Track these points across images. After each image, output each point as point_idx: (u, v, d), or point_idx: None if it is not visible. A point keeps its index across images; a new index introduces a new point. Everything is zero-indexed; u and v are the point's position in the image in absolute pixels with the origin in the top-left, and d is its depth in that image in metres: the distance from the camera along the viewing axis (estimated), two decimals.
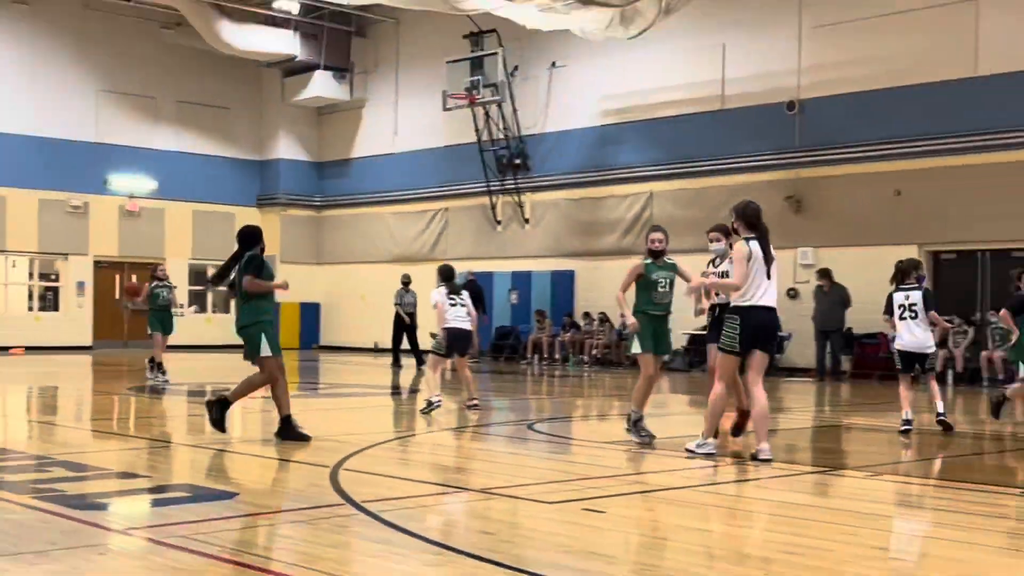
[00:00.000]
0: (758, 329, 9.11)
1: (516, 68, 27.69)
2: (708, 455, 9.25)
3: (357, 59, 32.11)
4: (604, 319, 25.33)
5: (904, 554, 5.80)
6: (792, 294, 22.77)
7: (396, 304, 23.75)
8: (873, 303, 21.47)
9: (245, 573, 5.15)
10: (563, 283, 27.04)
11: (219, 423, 10.19)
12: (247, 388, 10.33)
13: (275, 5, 29.15)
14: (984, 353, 19.57)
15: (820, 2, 22.61)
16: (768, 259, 9.06)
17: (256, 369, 10.17)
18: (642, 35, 23.16)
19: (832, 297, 21.19)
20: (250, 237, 10.41)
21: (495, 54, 26.93)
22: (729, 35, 24.05)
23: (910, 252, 21.28)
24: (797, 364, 22.58)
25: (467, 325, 13.58)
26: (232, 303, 11.28)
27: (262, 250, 10.42)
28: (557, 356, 25.86)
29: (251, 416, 12.62)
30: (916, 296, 11.74)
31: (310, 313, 33.09)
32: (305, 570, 5.18)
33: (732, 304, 9.25)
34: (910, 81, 21.29)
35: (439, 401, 13.22)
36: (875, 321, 21.51)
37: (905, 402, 11.63)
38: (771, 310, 9.17)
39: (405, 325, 23.64)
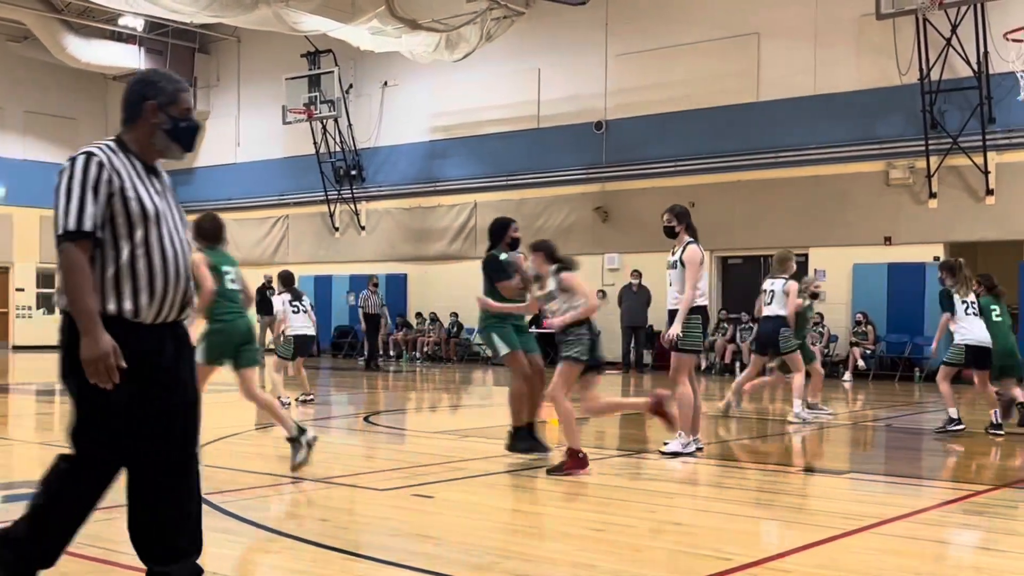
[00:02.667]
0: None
1: (351, 86, 27.48)
2: (690, 454, 8.78)
3: (200, 74, 31.25)
4: (435, 318, 25.38)
5: (698, 528, 6.01)
6: (601, 295, 23.25)
7: (360, 307, 22.77)
8: None
9: (92, 566, 4.97)
10: (397, 285, 26.95)
11: (537, 445, 8.66)
12: (517, 402, 8.65)
13: (121, 21, 28.09)
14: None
15: (623, 32, 23.18)
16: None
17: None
18: (466, 58, 23.34)
19: (640, 296, 21.74)
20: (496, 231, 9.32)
21: (331, 72, 26.74)
22: (544, 60, 24.40)
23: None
24: (605, 359, 23.02)
25: (311, 330, 13.36)
26: None
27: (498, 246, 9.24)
28: (392, 353, 25.75)
29: None
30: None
31: None
32: None
33: (696, 304, 8.87)
34: (702, 105, 22.04)
35: (288, 401, 12.98)
36: None
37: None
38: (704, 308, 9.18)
39: (372, 327, 22.62)
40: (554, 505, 6.80)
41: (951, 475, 8.65)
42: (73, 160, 3.76)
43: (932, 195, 19.47)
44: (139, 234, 3.78)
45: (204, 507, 6.31)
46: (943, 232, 19.13)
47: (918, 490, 7.75)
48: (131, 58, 29.50)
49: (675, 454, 8.76)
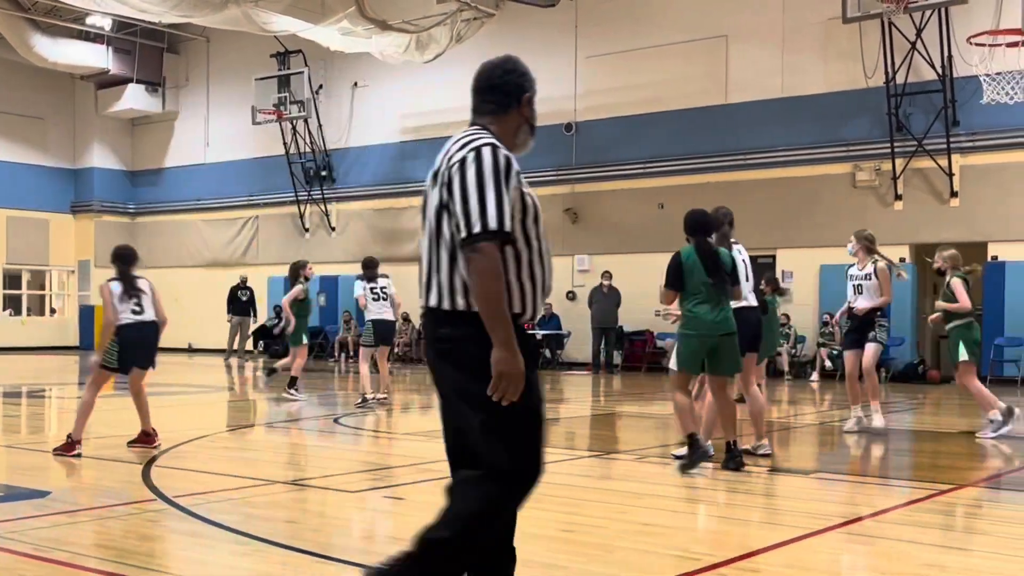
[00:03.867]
0: (752, 329, 8.62)
1: (321, 87, 27.38)
2: (766, 455, 8.55)
3: (169, 74, 31.04)
4: (406, 319, 25.29)
5: (667, 529, 6.03)
6: (571, 296, 23.33)
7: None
8: (641, 304, 22.31)
9: (56, 570, 4.91)
10: None
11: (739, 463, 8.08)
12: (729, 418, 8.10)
13: (88, 21, 27.83)
14: None
15: (592, 34, 23.24)
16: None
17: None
18: (437, 59, 23.30)
19: (611, 298, 21.79)
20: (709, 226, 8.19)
21: (301, 73, 26.67)
22: None
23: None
24: (576, 359, 23.13)
25: (390, 315, 13.33)
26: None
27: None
28: None
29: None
30: None
31: None
32: (116, 564, 4.98)
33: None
34: (671, 107, 22.14)
35: (372, 399, 13.08)
36: (643, 320, 22.32)
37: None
38: (755, 309, 8.82)
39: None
40: (525, 506, 6.79)
41: (916, 475, 8.73)
42: (478, 151, 3.38)
43: (898, 197, 19.65)
44: (534, 233, 3.48)
45: (172, 510, 6.29)
46: (909, 234, 19.31)
47: (884, 489, 7.81)
48: (99, 58, 29.27)
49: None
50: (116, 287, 8.88)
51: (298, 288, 14.47)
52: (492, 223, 3.26)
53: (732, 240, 8.67)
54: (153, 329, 9.02)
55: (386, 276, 13.66)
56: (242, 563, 5.20)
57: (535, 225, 3.45)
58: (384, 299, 13.37)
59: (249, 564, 5.17)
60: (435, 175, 3.47)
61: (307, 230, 28.24)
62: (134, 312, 8.87)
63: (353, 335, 25.91)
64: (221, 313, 26.27)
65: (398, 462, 8.84)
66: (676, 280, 7.88)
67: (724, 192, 21.36)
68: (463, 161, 3.36)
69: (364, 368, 13.42)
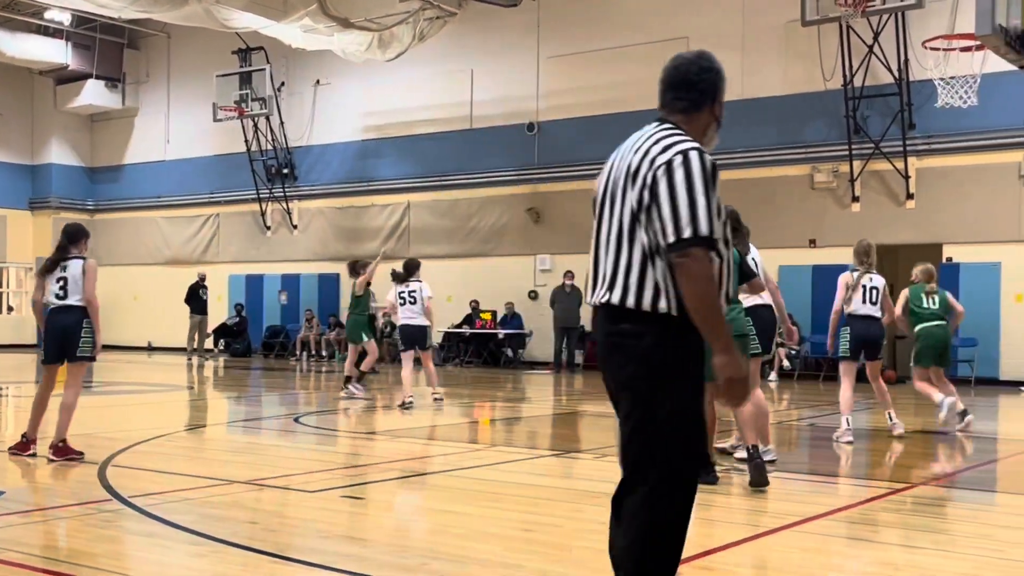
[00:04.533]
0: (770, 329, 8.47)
1: (283, 84, 27.20)
2: (770, 462, 8.09)
3: (129, 69, 30.69)
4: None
5: None
6: (533, 295, 23.37)
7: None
8: None
9: (9, 571, 4.84)
10: (329, 285, 26.74)
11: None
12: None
13: (47, 15, 27.46)
14: None
15: (555, 35, 23.27)
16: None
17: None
18: (399, 58, 23.22)
19: (573, 297, 21.82)
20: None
21: (263, 70, 26.47)
22: (477, 61, 24.40)
23: None
24: (537, 358, 23.17)
25: (415, 320, 13.31)
26: None
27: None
28: (324, 353, 25.56)
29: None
30: None
31: None
32: (70, 566, 4.91)
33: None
34: (632, 108, 22.12)
35: (411, 402, 13.08)
36: None
37: None
38: (770, 307, 8.61)
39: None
40: (483, 505, 6.79)
41: (872, 473, 8.82)
42: (686, 155, 3.29)
43: (855, 199, 19.85)
44: (725, 240, 3.41)
45: (128, 510, 6.22)
46: (866, 235, 19.20)
47: (840, 488, 7.89)
48: (58, 53, 28.89)
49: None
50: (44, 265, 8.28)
51: (362, 279, 14.67)
52: (703, 228, 3.22)
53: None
54: (73, 315, 8.14)
55: (419, 280, 13.65)
56: (199, 564, 5.16)
57: (724, 228, 3.38)
58: (413, 303, 13.36)
59: (206, 565, 5.13)
60: (632, 174, 3.38)
61: (269, 228, 28.06)
62: (57, 296, 8.18)
63: (315, 333, 25.80)
64: (181, 311, 26.04)
65: (357, 461, 8.81)
66: None
67: None
68: (670, 164, 3.30)
69: (405, 372, 13.47)
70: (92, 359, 8.36)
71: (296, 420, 12.18)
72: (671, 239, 3.23)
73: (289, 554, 5.27)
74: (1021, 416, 13.99)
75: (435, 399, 13.69)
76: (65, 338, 8.16)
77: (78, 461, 8.12)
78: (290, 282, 27.34)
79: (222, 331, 27.50)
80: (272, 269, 27.59)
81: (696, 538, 5.81)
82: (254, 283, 27.87)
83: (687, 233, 3.21)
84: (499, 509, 6.68)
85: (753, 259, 8.46)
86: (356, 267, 15.11)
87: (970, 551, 5.60)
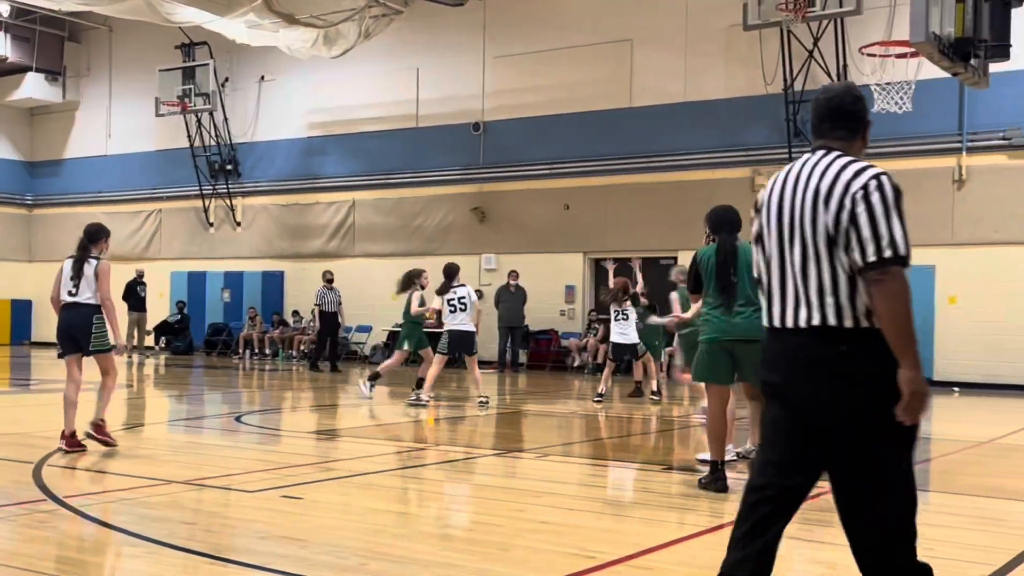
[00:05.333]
0: None
1: (227, 79, 26.92)
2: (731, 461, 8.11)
3: (70, 63, 30.16)
4: (315, 316, 25.01)
5: (565, 527, 6.06)
6: (478, 295, 23.30)
7: (316, 304, 21.08)
8: (546, 303, 22.43)
9: None
10: (273, 283, 26.51)
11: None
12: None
13: None
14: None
15: (501, 35, 23.28)
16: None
17: None
18: (345, 55, 23.07)
19: (518, 297, 21.84)
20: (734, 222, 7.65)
21: (206, 65, 26.14)
22: (423, 60, 24.33)
23: (577, 259, 22.36)
24: (481, 357, 23.05)
25: (457, 326, 13.29)
26: None
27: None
28: (267, 351, 25.33)
29: None
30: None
31: (21, 310, 30.74)
32: (3, 568, 4.81)
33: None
34: (577, 109, 22.30)
35: (427, 400, 13.21)
36: (548, 319, 22.46)
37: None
38: None
39: (328, 326, 20.91)
40: (424, 505, 6.78)
41: None
42: (879, 180, 3.45)
43: None
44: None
45: (63, 511, 6.11)
46: None
47: None
48: None
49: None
50: (66, 264, 8.83)
51: (418, 294, 14.27)
52: (901, 248, 3.39)
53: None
54: (81, 312, 8.65)
55: (464, 285, 13.64)
56: (134, 565, 5.09)
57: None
58: (463, 309, 13.34)
59: (141, 566, 5.06)
60: (824, 198, 3.51)
61: (211, 225, 27.74)
62: (69, 293, 8.67)
63: (258, 331, 25.55)
64: (120, 308, 25.61)
65: (298, 461, 8.73)
66: (695, 281, 7.55)
67: (628, 194, 21.65)
68: (866, 188, 3.45)
69: (434, 370, 13.55)
70: (110, 349, 8.80)
71: (237, 419, 12.06)
72: (871, 259, 3.40)
73: (226, 555, 5.22)
74: (954, 417, 14.26)
75: (480, 402, 13.62)
76: (78, 333, 8.61)
77: (110, 446, 8.75)
78: (233, 279, 27.04)
79: (164, 328, 27.13)
80: (215, 266, 27.28)
81: (633, 537, 5.86)
82: (196, 280, 27.52)
83: (887, 253, 3.38)
84: (439, 508, 6.67)
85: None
86: (412, 277, 14.76)
87: None
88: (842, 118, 3.70)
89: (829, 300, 3.49)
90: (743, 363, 7.30)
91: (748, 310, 7.28)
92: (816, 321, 3.49)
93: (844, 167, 3.53)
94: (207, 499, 6.85)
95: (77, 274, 8.70)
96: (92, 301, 8.65)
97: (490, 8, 23.30)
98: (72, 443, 8.62)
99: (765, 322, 3.70)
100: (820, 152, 3.64)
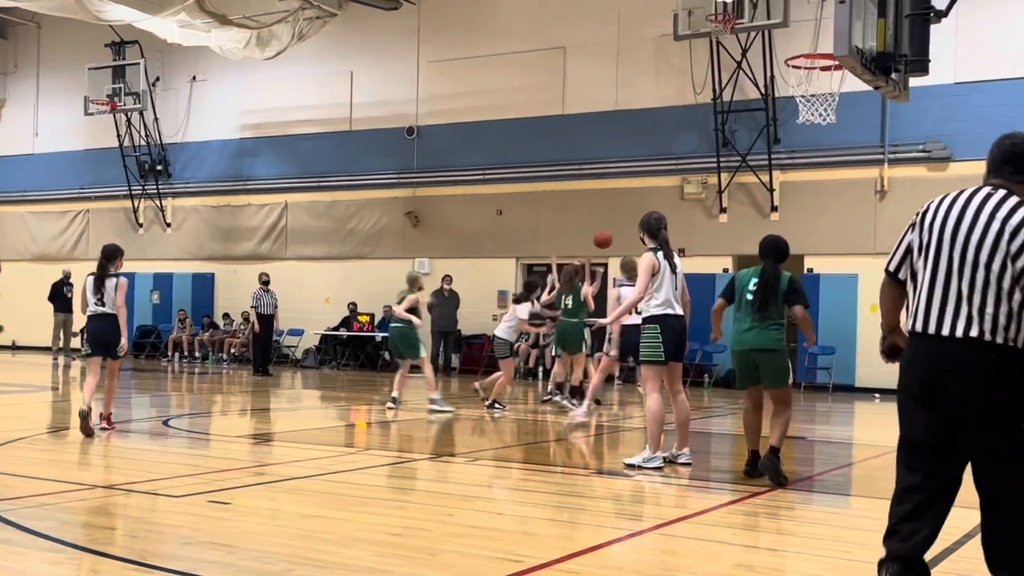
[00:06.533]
0: (677, 337, 8.52)
1: (158, 79, 26.51)
2: (656, 469, 8.35)
3: None
4: (246, 319, 24.71)
5: (493, 531, 6.06)
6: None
7: (253, 307, 20.17)
8: (480, 308, 22.42)
9: None
10: (203, 285, 26.13)
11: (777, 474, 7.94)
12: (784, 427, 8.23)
13: None
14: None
15: (435, 40, 23.25)
16: (673, 268, 8.57)
17: None
18: (278, 57, 22.84)
19: (451, 301, 21.79)
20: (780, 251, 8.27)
21: (137, 64, 25.72)
22: (357, 63, 24.21)
23: (509, 265, 22.39)
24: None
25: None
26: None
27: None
28: (197, 354, 24.95)
29: None
30: None
31: None
32: None
33: (649, 314, 8.46)
34: (510, 115, 22.36)
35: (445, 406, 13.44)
36: (481, 323, 22.45)
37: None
38: (681, 318, 8.60)
39: (265, 329, 20.12)
40: (354, 510, 6.72)
41: (733, 477, 9.03)
42: None
43: (723, 210, 20.37)
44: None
45: None
46: (733, 245, 20.02)
47: (702, 492, 8.06)
48: None
49: (635, 466, 8.40)
50: (88, 280, 10.28)
51: (413, 297, 13.82)
52: None
53: (674, 249, 8.91)
54: (109, 321, 10.17)
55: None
56: (55, 572, 4.97)
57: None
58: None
59: (63, 572, 4.94)
60: (1012, 233, 4.00)
61: (141, 225, 27.27)
62: (96, 304, 10.15)
63: (188, 334, 25.17)
64: (46, 309, 25.06)
65: (227, 465, 8.61)
66: (728, 291, 8.39)
67: (559, 200, 21.75)
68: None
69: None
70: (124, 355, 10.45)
71: (165, 423, 11.85)
72: None
73: (150, 561, 5.12)
74: (874, 422, 14.55)
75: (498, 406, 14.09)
76: (105, 340, 10.27)
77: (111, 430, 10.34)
78: (162, 281, 26.62)
79: None
80: (144, 268, 26.78)
81: (560, 541, 5.88)
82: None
83: None
84: (368, 513, 6.62)
85: (677, 267, 8.68)
86: (531, 286, 14.90)
87: (822, 553, 5.80)
88: (1014, 163, 4.22)
89: (988, 316, 3.98)
90: (763, 369, 8.12)
91: (765, 323, 8.07)
92: (974, 333, 3.98)
93: (1011, 203, 4.06)
94: (132, 504, 6.72)
95: (98, 289, 10.17)
96: (114, 311, 10.18)
97: (425, 13, 23.26)
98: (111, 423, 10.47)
99: (911, 327, 4.15)
100: (1002, 192, 4.12)
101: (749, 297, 8.10)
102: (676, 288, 8.57)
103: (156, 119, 26.53)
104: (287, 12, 22.00)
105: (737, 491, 7.78)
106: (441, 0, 23.11)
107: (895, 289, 4.33)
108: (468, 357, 22.60)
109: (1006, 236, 3.97)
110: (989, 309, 3.96)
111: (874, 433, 12.94)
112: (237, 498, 6.84)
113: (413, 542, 5.66)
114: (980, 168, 4.45)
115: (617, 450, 10.53)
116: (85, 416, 9.86)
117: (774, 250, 8.23)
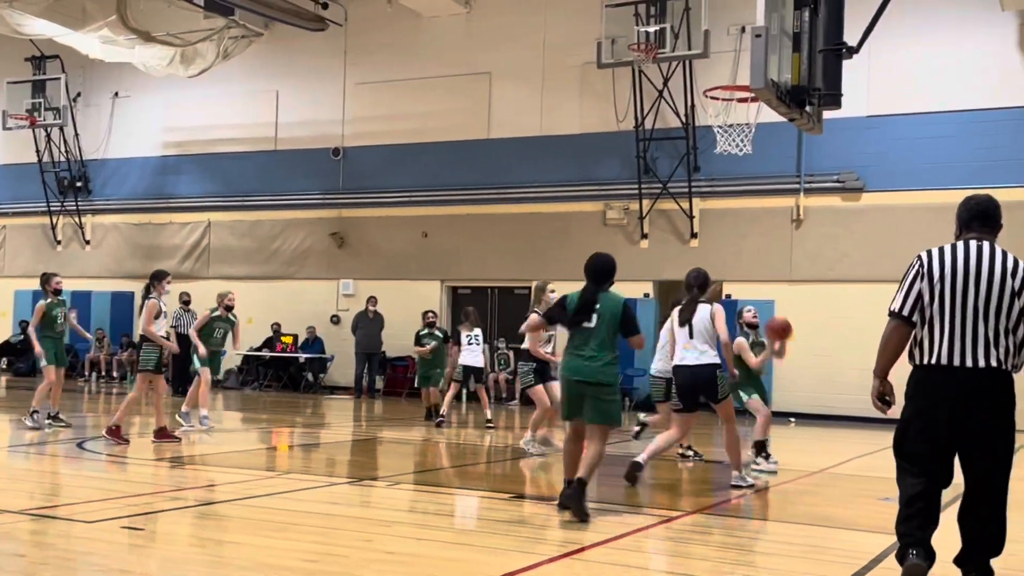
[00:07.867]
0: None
1: (79, 94, 25.99)
2: (750, 486, 9.38)
3: None
4: (166, 338, 24.20)
5: (411, 557, 6.02)
6: (335, 320, 23.10)
7: (172, 326, 18.36)
8: (405, 330, 22.28)
9: None
10: (123, 304, 25.59)
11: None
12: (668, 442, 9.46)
13: None
14: (491, 375, 20.80)
15: (362, 62, 23.20)
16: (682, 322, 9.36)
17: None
18: (203, 75, 22.55)
19: (375, 323, 21.65)
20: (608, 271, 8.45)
21: (58, 79, 25.19)
22: (283, 83, 24.03)
23: (434, 287, 22.34)
24: (338, 383, 22.86)
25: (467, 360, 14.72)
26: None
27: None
28: (115, 374, 24.39)
29: None
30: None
31: None
32: None
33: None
34: (436, 139, 22.38)
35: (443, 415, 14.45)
36: (406, 346, 22.27)
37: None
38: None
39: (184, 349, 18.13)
40: (270, 536, 6.61)
41: (651, 501, 9.10)
42: None
43: (644, 236, 20.60)
44: None
45: None
46: (653, 271, 20.25)
47: (620, 516, 8.10)
48: None
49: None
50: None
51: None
52: None
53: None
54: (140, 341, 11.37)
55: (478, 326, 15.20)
56: None
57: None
58: (476, 344, 14.86)
59: None
60: (1009, 273, 4.99)
61: (59, 242, 26.65)
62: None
63: (106, 353, 24.61)
64: None
65: (143, 489, 8.43)
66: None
67: (483, 224, 21.80)
68: None
69: (449, 395, 15.24)
70: (146, 371, 11.68)
71: (79, 446, 11.56)
72: None
73: None
74: (789, 447, 14.75)
75: (489, 425, 14.79)
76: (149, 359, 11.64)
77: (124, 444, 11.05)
78: (81, 299, 25.94)
79: (6, 349, 25.86)
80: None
81: (480, 567, 5.86)
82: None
83: None
84: (285, 539, 6.53)
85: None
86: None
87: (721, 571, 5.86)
88: (994, 220, 5.16)
89: (1002, 348, 4.94)
90: (586, 401, 7.72)
91: (599, 354, 7.72)
92: (994, 363, 4.92)
93: (1010, 258, 5.03)
94: (42, 530, 6.54)
95: (139, 310, 11.03)
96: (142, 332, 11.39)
97: (351, 35, 23.19)
98: (164, 435, 11.48)
99: (930, 361, 4.99)
100: (987, 243, 5.04)
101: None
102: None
103: (77, 135, 26.00)
104: (212, 31, 21.76)
105: (654, 516, 7.83)
106: (368, 23, 23.07)
107: (907, 330, 5.08)
108: (392, 379, 22.47)
109: (1009, 277, 4.95)
110: (1002, 342, 4.93)
111: (789, 457, 13.13)
112: (151, 524, 6.70)
113: (329, 568, 5.59)
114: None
115: (539, 477, 10.53)
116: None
117: (604, 273, 8.41)
